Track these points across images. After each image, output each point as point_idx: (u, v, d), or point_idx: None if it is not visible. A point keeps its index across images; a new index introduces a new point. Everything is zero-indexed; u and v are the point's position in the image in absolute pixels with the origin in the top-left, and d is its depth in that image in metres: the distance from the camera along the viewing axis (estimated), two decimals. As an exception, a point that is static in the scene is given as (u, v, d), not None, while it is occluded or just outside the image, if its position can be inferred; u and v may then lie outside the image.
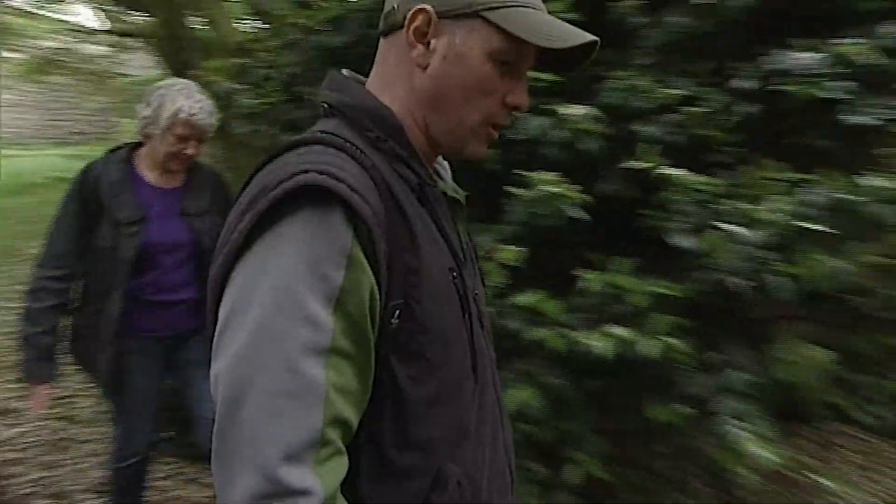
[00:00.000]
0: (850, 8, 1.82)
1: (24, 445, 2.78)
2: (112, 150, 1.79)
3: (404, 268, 0.60)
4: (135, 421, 1.87)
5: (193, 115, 1.67)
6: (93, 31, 7.58)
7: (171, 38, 4.20)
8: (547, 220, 1.55)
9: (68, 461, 2.66)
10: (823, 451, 2.92)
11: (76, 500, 2.39)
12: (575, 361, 1.57)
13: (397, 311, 0.59)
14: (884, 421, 2.67)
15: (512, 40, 0.65)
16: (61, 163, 8.82)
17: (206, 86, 2.27)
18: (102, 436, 2.81)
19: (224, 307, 0.57)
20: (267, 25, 3.31)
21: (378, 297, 0.58)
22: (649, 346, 1.43)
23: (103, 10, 6.03)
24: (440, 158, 0.85)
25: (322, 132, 0.65)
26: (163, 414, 2.49)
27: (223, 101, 2.60)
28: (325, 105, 0.72)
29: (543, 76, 1.66)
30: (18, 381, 1.81)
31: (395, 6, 0.69)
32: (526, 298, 1.53)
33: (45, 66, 8.01)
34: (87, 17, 8.84)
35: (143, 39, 5.01)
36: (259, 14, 3.51)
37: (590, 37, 0.67)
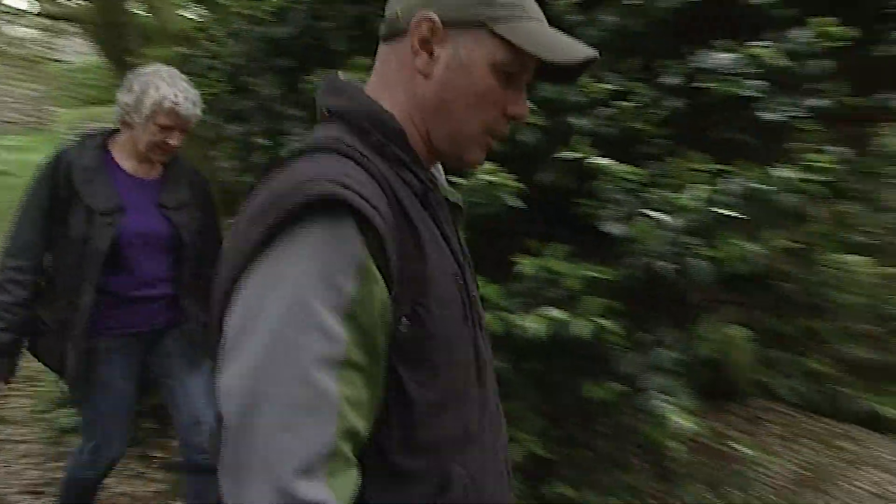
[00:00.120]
0: (766, 14, 1.96)
1: (-47, 448, 2.65)
2: (86, 137, 1.69)
3: (412, 275, 0.60)
4: (111, 426, 1.74)
5: (178, 104, 1.61)
6: (22, 13, 7.15)
7: (108, 25, 4.04)
8: (485, 208, 1.61)
9: (1, 462, 2.56)
10: (750, 425, 3.13)
11: (11, 503, 2.31)
12: (514, 344, 1.65)
13: (405, 318, 0.59)
14: (802, 395, 2.90)
15: (516, 52, 0.66)
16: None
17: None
18: (37, 436, 2.72)
19: (234, 318, 0.56)
20: (211, 14, 3.25)
21: (389, 306, 0.58)
22: (582, 327, 1.52)
23: (34, -8, 5.72)
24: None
25: (326, 138, 0.65)
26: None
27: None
28: (325, 109, 0.71)
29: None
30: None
31: (399, 13, 0.69)
32: (466, 284, 1.59)
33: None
34: (17, -2, 8.34)
35: (78, 24, 4.78)
36: (203, 3, 3.43)
37: (591, 52, 0.68)
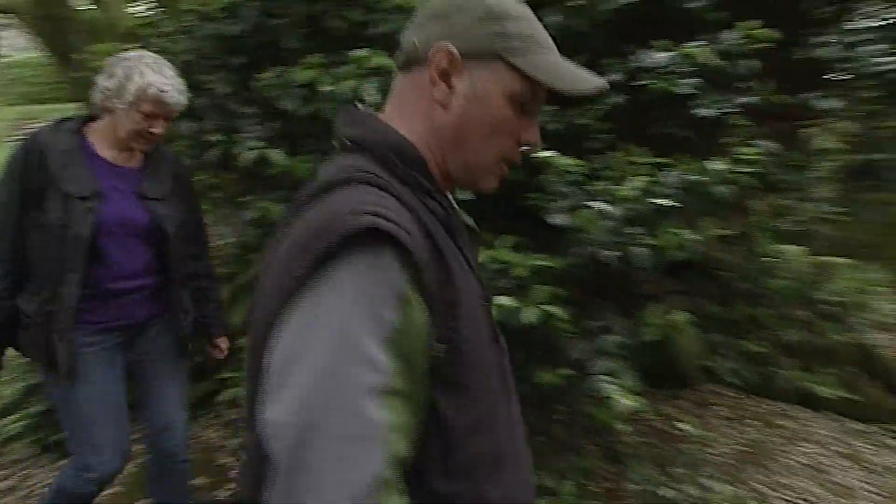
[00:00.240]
0: (699, 17, 2.08)
1: None
2: (60, 120, 1.61)
3: (445, 300, 0.61)
4: (99, 432, 1.61)
5: (164, 91, 1.54)
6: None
7: (48, 18, 3.89)
8: (435, 200, 1.66)
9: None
10: (698, 408, 3.29)
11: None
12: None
13: (440, 343, 0.60)
14: (744, 378, 3.06)
15: (531, 83, 0.68)
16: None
17: (93, 70, 2.17)
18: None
19: (278, 352, 0.57)
20: (161, 10, 3.18)
21: (426, 332, 0.59)
22: (530, 314, 1.58)
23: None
24: None
25: (353, 168, 0.65)
26: (52, 415, 2.36)
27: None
28: (345, 140, 0.71)
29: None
30: None
31: (417, 43, 0.70)
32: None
33: None
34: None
35: (15, 16, 4.58)
36: (151, -2, 3.35)
37: (601, 82, 0.71)
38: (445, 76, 0.68)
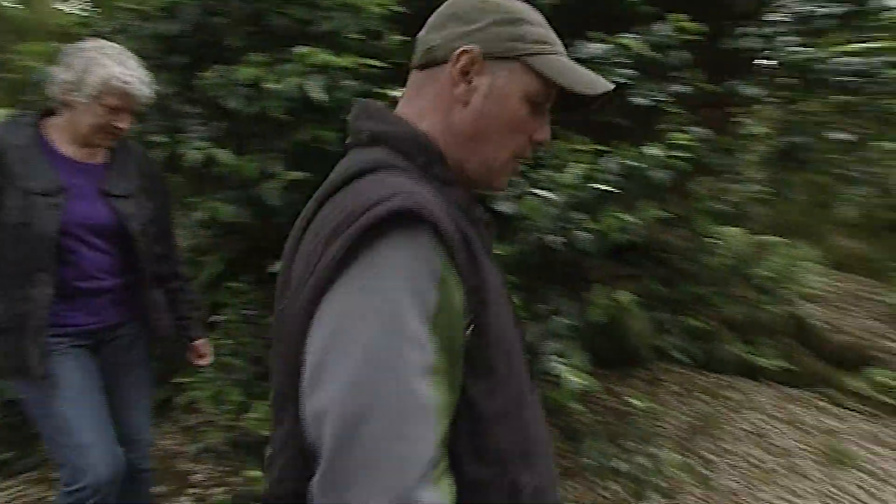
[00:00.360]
0: (633, 10, 2.18)
1: None
2: (16, 115, 1.53)
3: (472, 286, 0.61)
4: (89, 433, 1.52)
5: (128, 83, 1.45)
6: None
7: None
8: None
9: None
10: (650, 385, 3.44)
11: None
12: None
13: (469, 326, 0.61)
14: (691, 354, 3.23)
15: (546, 84, 0.70)
16: None
17: (21, 71, 2.09)
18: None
19: (321, 335, 0.56)
20: (94, 9, 3.08)
21: (461, 313, 0.59)
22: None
23: None
24: None
25: (378, 160, 0.65)
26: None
27: (43, 88, 2.41)
28: (363, 134, 0.71)
29: (371, 62, 1.80)
30: None
31: (437, 43, 0.71)
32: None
33: None
34: None
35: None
36: (84, -4, 3.24)
37: (610, 85, 0.74)
38: (467, 75, 0.70)
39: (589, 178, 1.82)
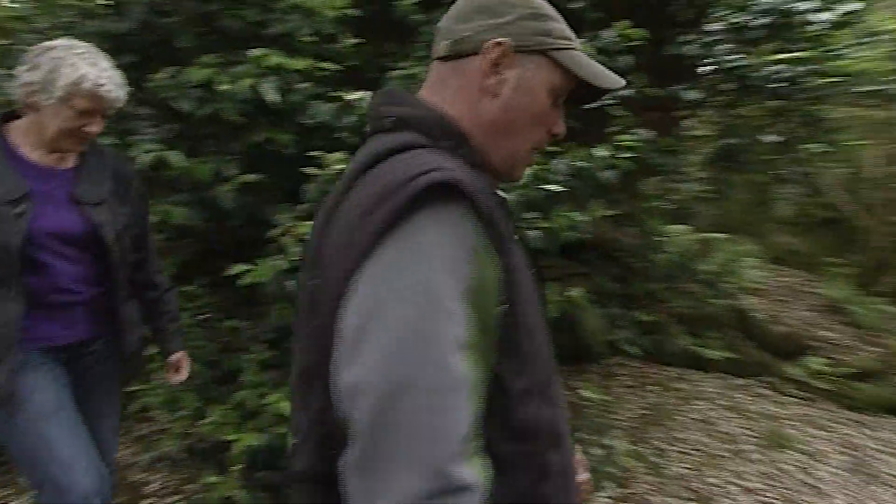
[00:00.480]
0: (581, 16, 2.27)
1: None
2: None
3: (504, 264, 0.61)
4: (69, 449, 1.42)
5: (101, 85, 1.36)
6: None
7: None
8: (340, 195, 1.71)
9: None
10: (605, 379, 3.56)
11: None
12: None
13: (501, 305, 0.61)
14: (643, 348, 3.36)
15: (569, 77, 0.72)
16: None
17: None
18: None
19: (358, 307, 0.56)
20: (33, 4, 2.96)
21: (495, 289, 0.60)
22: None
23: None
24: None
25: (408, 142, 0.66)
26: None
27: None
28: (387, 118, 0.71)
29: (325, 65, 1.82)
30: None
31: (467, 34, 0.72)
32: (327, 268, 1.69)
33: None
34: None
35: None
36: (23, -8, 3.10)
37: (623, 81, 0.78)
38: (497, 67, 0.71)
39: (539, 178, 1.89)
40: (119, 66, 2.41)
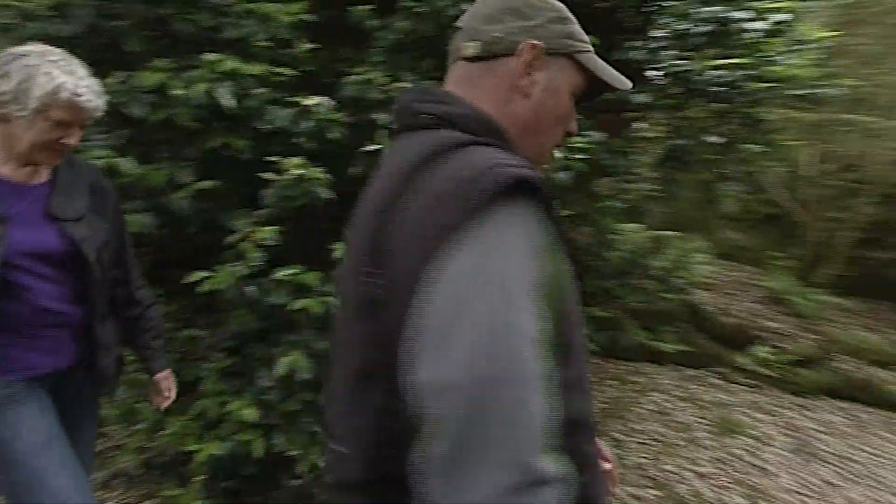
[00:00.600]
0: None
1: None
2: None
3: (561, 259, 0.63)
4: (60, 478, 1.34)
5: (80, 95, 1.28)
6: None
7: None
8: (298, 200, 1.71)
9: None
10: (565, 375, 3.65)
11: None
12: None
13: (562, 301, 0.62)
14: (600, 343, 3.46)
15: (588, 79, 0.76)
16: None
17: None
18: None
19: (439, 305, 0.55)
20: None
21: (563, 284, 0.61)
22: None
23: None
24: None
25: (457, 138, 0.65)
26: None
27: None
28: (427, 117, 0.71)
29: (281, 70, 1.82)
30: None
31: (499, 36, 0.73)
32: (286, 273, 1.69)
33: None
34: None
35: None
36: (-44, -8, 2.96)
37: (630, 83, 0.81)
38: (529, 68, 0.73)
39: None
40: (64, 71, 2.34)
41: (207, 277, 1.71)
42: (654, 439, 3.04)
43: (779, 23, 2.51)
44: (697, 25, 2.42)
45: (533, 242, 0.57)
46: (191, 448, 1.85)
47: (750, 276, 5.30)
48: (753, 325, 4.43)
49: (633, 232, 3.49)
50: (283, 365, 1.69)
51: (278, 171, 1.78)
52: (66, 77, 1.28)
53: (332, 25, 2.17)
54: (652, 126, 3.17)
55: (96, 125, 2.25)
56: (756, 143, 2.80)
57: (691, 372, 3.89)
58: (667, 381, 3.73)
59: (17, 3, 2.32)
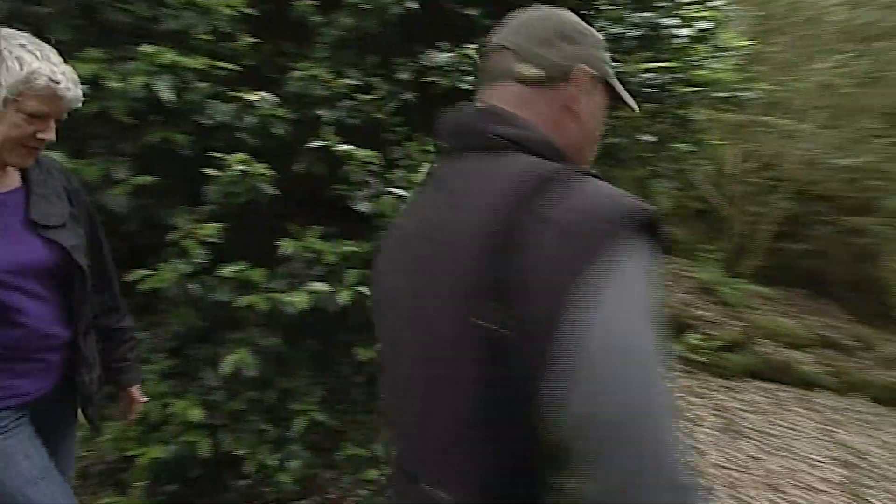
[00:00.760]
0: (475, 21, 2.39)
1: None
2: None
3: None
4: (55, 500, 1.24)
5: (58, 83, 1.12)
6: None
7: None
8: (241, 197, 1.70)
9: None
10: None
11: None
12: (287, 322, 1.77)
13: None
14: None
15: (610, 99, 0.80)
16: None
17: None
18: None
19: (588, 341, 0.56)
20: None
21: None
22: (344, 296, 1.71)
23: None
24: None
25: (553, 166, 0.67)
26: None
27: None
28: (496, 139, 0.71)
29: (222, 64, 1.79)
30: None
31: (556, 61, 0.75)
32: (231, 270, 1.67)
33: None
34: None
35: None
36: None
37: (637, 108, 0.86)
38: (583, 94, 0.76)
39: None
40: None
41: (149, 275, 1.66)
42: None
43: (703, 30, 2.69)
44: (630, 30, 2.55)
45: (652, 276, 0.61)
46: (131, 453, 1.80)
47: (683, 268, 5.61)
48: (685, 313, 4.70)
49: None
50: (228, 363, 1.68)
51: (221, 167, 1.75)
52: (41, 63, 1.12)
53: (274, 20, 2.15)
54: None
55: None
56: (685, 143, 2.98)
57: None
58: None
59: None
